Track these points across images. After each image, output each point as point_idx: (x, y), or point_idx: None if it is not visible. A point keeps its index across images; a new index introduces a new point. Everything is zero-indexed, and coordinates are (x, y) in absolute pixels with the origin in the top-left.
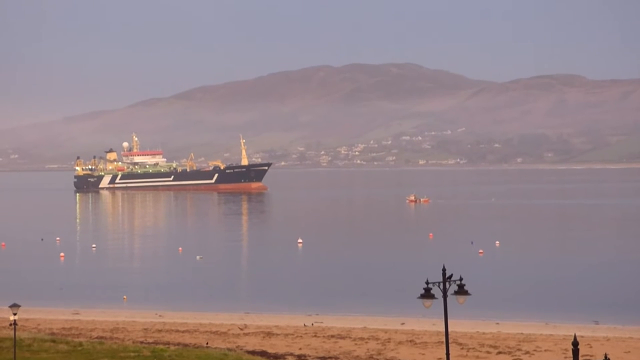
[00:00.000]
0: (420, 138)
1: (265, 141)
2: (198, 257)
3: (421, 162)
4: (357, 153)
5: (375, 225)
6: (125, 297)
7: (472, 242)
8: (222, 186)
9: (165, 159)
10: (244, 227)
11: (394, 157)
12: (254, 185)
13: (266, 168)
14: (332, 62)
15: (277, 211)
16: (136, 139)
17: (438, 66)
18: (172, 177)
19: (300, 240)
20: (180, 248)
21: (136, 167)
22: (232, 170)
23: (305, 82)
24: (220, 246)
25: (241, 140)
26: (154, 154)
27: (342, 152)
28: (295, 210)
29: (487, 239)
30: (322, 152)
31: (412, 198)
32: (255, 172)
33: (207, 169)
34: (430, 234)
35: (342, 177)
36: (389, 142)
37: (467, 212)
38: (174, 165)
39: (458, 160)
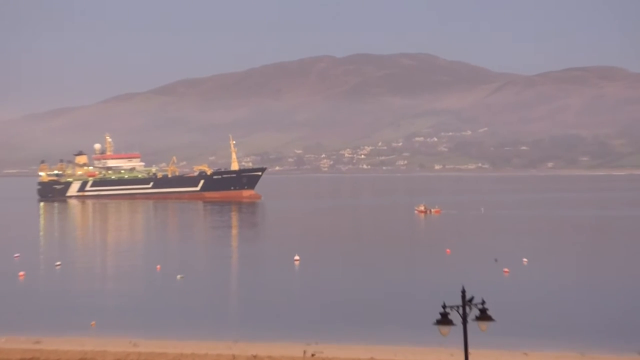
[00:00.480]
0: (435, 139)
1: (258, 142)
2: (179, 276)
3: (437, 167)
4: (362, 156)
5: (382, 240)
6: (93, 322)
7: (495, 260)
8: (208, 194)
9: (143, 163)
10: (233, 241)
11: (405, 162)
12: (246, 193)
13: (260, 174)
14: (334, 52)
15: (272, 223)
16: (110, 139)
17: (456, 57)
18: (151, 183)
19: (297, 257)
20: (158, 266)
21: (109, 172)
22: (220, 176)
23: (304, 74)
24: (205, 264)
25: (231, 142)
26: (130, 157)
27: (346, 155)
28: (292, 223)
29: (513, 255)
30: (323, 155)
31: (422, 208)
32: (247, 179)
33: (192, 175)
34: (448, 250)
35: (346, 184)
36: (400, 144)
37: (487, 224)
38: (154, 170)
39: (479, 164)
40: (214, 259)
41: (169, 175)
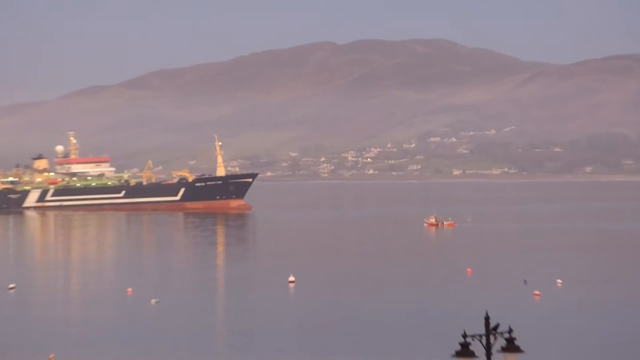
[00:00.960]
0: (454, 140)
1: (246, 144)
2: (153, 300)
3: (456, 172)
4: (369, 160)
5: (390, 257)
6: (52, 355)
7: (525, 281)
8: (190, 205)
9: (113, 168)
10: (218, 260)
11: (418, 166)
12: (234, 203)
13: (250, 180)
14: (335, 38)
15: (264, 238)
16: (74, 140)
17: (479, 43)
18: (123, 192)
19: (292, 279)
20: (130, 289)
21: (74, 179)
22: (203, 184)
23: (300, 64)
24: (184, 286)
25: (216, 143)
26: (98, 162)
27: (349, 158)
28: (286, 237)
29: (545, 276)
30: (322, 159)
31: (433, 220)
32: (235, 186)
33: (171, 182)
34: (469, 269)
35: (349, 193)
36: (413, 146)
37: (513, 239)
38: (126, 176)
39: (506, 169)
40: (195, 281)
41: (144, 183)
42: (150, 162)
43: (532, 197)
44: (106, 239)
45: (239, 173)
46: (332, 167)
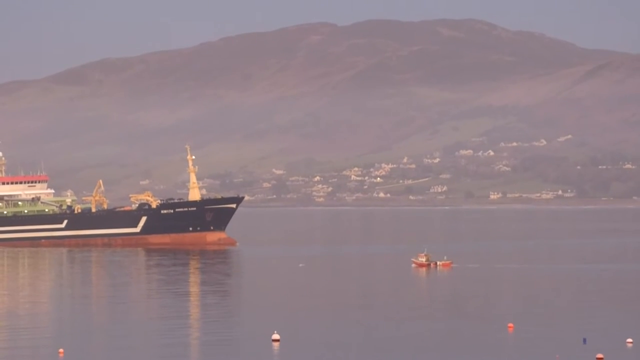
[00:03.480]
0: (492, 153)
1: (216, 158)
2: None
3: (494, 195)
4: (378, 180)
5: (399, 306)
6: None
7: (584, 340)
8: (154, 238)
9: (52, 190)
10: (188, 313)
11: (444, 188)
12: (212, 236)
13: (233, 207)
14: (334, 18)
15: (255, 283)
16: (0, 154)
17: (524, 26)
18: (65, 222)
19: (276, 336)
20: (61, 350)
21: (0, 204)
22: (172, 211)
23: (287, 52)
24: (140, 350)
25: (188, 156)
26: (31, 181)
27: (353, 177)
28: (282, 282)
29: (611, 334)
30: (317, 178)
31: (423, 260)
32: (214, 214)
33: (128, 209)
34: (510, 325)
35: (354, 222)
36: (437, 161)
37: (564, 284)
38: (69, 201)
39: (560, 192)
40: (154, 341)
41: (93, 210)
42: (100, 182)
43: (594, 229)
44: (38, 284)
45: (219, 197)
46: (330, 188)
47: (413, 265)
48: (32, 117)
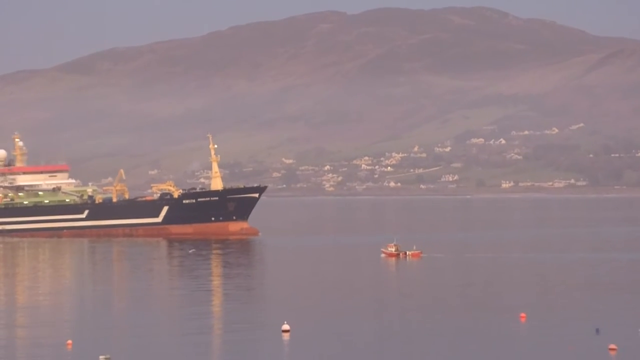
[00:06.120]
0: (503, 142)
1: (225, 147)
2: (102, 357)
3: (505, 184)
4: (389, 168)
5: (411, 298)
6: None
7: (597, 330)
8: (176, 228)
9: (73, 180)
10: (201, 302)
11: (455, 176)
12: (235, 226)
13: (256, 196)
14: (343, 6)
15: (278, 273)
16: (20, 143)
17: (535, 13)
18: (86, 212)
19: (286, 327)
20: (69, 340)
21: (20, 194)
22: (194, 201)
23: (298, 40)
24: (146, 338)
25: (210, 144)
26: (52, 171)
27: (363, 166)
28: (303, 273)
29: (624, 324)
30: (327, 167)
31: (393, 250)
32: (236, 204)
33: (150, 198)
34: (523, 315)
35: (365, 212)
36: (447, 150)
37: (576, 274)
38: (90, 191)
39: (572, 180)
40: (161, 330)
41: (114, 200)
42: (122, 172)
43: (607, 217)
44: (60, 274)
45: (241, 187)
46: (340, 178)
47: (383, 255)
48: (41, 106)
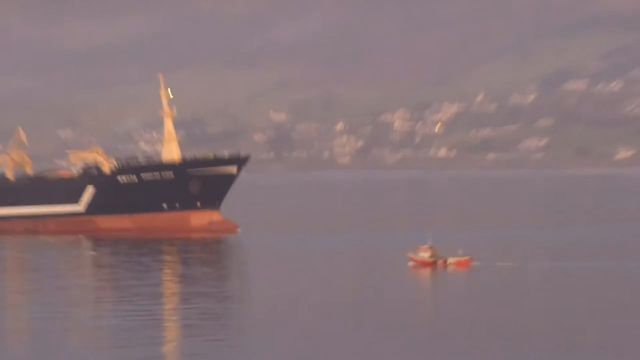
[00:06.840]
0: (618, 87)
1: (181, 96)
2: None
3: (623, 153)
4: (437, 129)
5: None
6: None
7: None
8: (106, 221)
9: None
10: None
11: (542, 141)
12: (200, 218)
13: (233, 171)
14: None
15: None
16: None
17: None
18: None
19: None
20: None
21: None
22: (135, 178)
23: None
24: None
25: (161, 89)
26: None
27: (397, 125)
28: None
29: None
30: (339, 127)
31: (427, 255)
32: (202, 183)
33: (65, 174)
34: None
35: (398, 196)
36: (530, 99)
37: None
38: None
39: None
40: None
41: (9, 177)
42: (20, 130)
43: None
44: None
45: (210, 156)
46: (360, 142)
47: (411, 262)
48: None
